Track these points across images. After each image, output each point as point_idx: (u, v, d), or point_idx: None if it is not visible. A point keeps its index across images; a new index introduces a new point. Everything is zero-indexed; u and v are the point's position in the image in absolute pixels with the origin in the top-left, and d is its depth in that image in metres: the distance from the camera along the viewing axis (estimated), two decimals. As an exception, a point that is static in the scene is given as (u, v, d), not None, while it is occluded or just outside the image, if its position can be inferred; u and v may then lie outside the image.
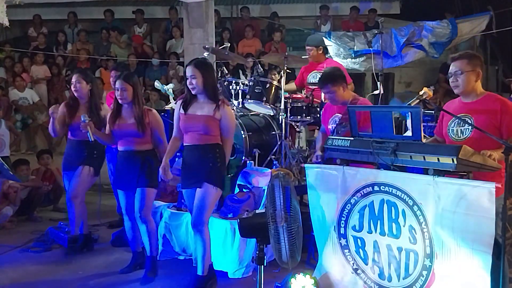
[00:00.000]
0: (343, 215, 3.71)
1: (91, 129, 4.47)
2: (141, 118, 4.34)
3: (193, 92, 4.02)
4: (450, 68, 3.58)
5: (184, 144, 4.11)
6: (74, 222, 5.04)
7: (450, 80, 3.59)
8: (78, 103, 4.93)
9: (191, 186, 4.08)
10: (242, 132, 5.54)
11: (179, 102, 4.15)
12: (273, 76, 6.78)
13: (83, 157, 4.93)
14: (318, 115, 5.65)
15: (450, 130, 3.59)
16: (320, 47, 6.23)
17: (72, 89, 4.93)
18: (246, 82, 5.87)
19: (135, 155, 4.40)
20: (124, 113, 4.43)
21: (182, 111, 4.07)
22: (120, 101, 4.39)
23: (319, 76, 5.95)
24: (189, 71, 4.00)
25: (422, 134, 3.32)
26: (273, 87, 5.71)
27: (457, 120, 3.53)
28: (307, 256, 4.48)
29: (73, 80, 4.94)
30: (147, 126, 4.38)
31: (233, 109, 5.78)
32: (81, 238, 5.18)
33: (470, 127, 3.45)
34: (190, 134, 4.03)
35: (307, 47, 6.17)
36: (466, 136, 3.48)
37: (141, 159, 4.39)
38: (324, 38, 7.52)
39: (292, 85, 6.31)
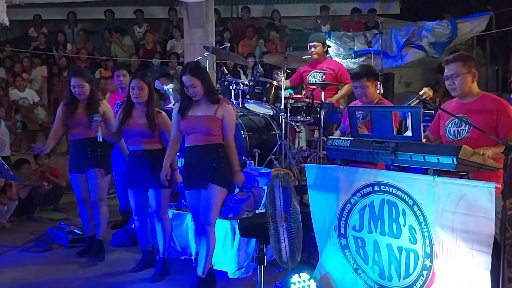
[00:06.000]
0: (343, 215, 3.71)
1: (101, 129, 4.49)
2: (153, 118, 4.36)
3: (194, 99, 4.00)
4: (446, 71, 3.59)
5: (186, 145, 4.10)
6: (99, 225, 4.96)
7: (447, 83, 3.60)
8: (77, 102, 4.86)
9: (194, 187, 4.07)
10: (242, 132, 5.55)
11: (177, 104, 4.14)
12: (275, 75, 6.78)
13: (88, 158, 4.82)
14: (318, 115, 5.66)
15: (447, 130, 3.60)
16: (325, 45, 6.25)
17: (75, 93, 4.82)
18: (246, 82, 5.88)
19: (146, 155, 4.41)
20: (135, 112, 4.44)
21: (180, 115, 4.06)
22: (136, 100, 4.38)
23: (318, 76, 6.00)
24: (186, 81, 3.95)
25: (422, 134, 3.33)
26: (273, 87, 5.72)
27: (455, 120, 3.54)
28: (307, 256, 4.48)
29: (74, 83, 4.80)
30: (157, 127, 4.39)
31: (233, 109, 5.79)
32: (87, 240, 5.15)
33: (467, 128, 3.46)
34: (193, 135, 4.02)
35: (313, 43, 6.12)
36: (463, 136, 3.50)
37: (151, 159, 4.38)
38: (324, 38, 7.53)
39: (286, 82, 6.29)
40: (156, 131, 4.41)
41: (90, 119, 4.60)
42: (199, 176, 4.00)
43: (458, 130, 3.54)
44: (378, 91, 6.52)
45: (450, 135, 3.57)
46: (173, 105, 5.04)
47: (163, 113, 4.53)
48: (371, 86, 4.30)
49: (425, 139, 3.61)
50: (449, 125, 3.60)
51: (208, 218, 3.98)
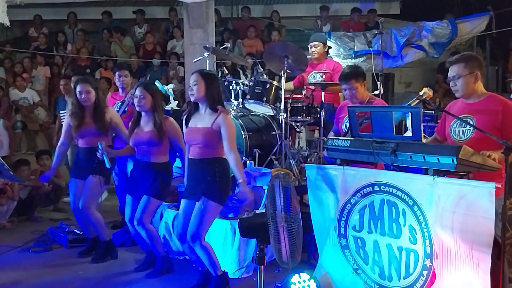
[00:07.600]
0: (343, 215, 3.71)
1: (108, 156, 4.40)
2: (160, 126, 4.34)
3: (191, 99, 3.99)
4: (449, 72, 3.58)
5: (188, 157, 4.09)
6: (96, 229, 4.94)
7: (450, 84, 3.60)
8: (84, 110, 4.83)
9: (188, 198, 4.05)
10: (242, 132, 5.54)
11: (184, 114, 4.16)
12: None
13: (93, 166, 4.77)
14: (318, 115, 5.66)
15: (452, 130, 3.60)
16: (326, 45, 6.26)
17: (81, 99, 4.79)
18: (246, 82, 5.88)
19: (149, 167, 4.38)
20: (142, 121, 4.45)
21: (184, 124, 4.07)
22: (137, 109, 4.42)
23: (318, 76, 6.01)
24: (192, 78, 3.96)
25: (422, 134, 3.33)
26: (273, 87, 5.72)
27: (459, 121, 3.53)
28: (307, 256, 4.48)
29: (81, 89, 4.77)
30: (165, 134, 4.37)
31: (233, 109, 5.79)
32: (89, 241, 5.12)
33: (471, 128, 3.45)
34: (193, 147, 4.00)
35: (314, 43, 6.15)
36: (467, 136, 3.49)
37: (154, 172, 4.37)
38: (324, 38, 7.53)
39: (290, 85, 6.30)
40: (165, 138, 4.39)
41: (97, 128, 4.73)
42: (194, 188, 3.99)
43: (462, 130, 3.53)
44: (378, 91, 6.56)
45: (455, 135, 3.57)
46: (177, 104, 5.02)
47: (171, 119, 4.50)
48: (360, 86, 4.26)
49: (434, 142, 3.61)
50: (454, 125, 3.59)
51: (198, 232, 3.90)
